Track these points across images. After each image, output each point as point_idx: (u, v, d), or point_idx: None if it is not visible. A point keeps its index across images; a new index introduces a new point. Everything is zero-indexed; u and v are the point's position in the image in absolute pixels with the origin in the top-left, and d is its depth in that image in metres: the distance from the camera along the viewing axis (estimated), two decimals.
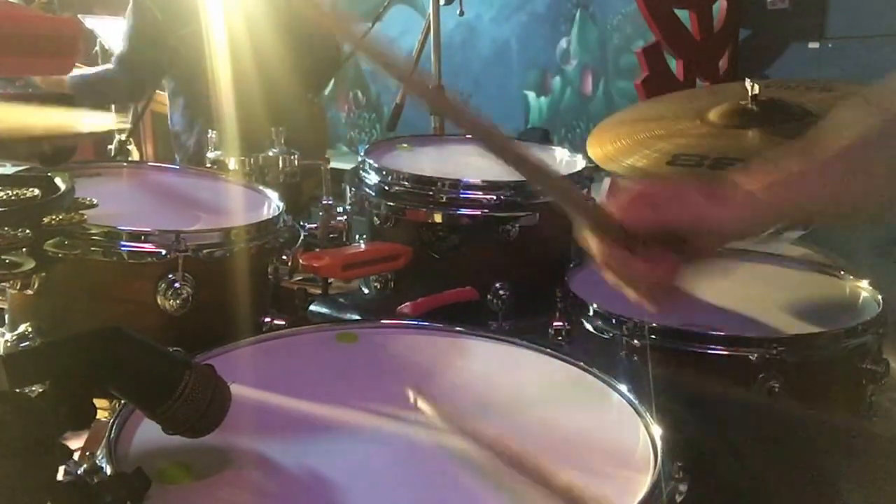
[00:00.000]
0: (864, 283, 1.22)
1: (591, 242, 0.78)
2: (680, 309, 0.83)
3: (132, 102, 2.91)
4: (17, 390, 0.59)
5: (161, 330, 1.07)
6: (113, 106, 2.92)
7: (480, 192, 1.36)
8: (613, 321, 1.08)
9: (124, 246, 1.06)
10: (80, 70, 2.65)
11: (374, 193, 1.41)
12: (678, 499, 0.67)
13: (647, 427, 0.77)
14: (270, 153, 1.51)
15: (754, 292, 1.22)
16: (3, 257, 0.68)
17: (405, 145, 1.65)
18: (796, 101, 1.36)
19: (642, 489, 0.67)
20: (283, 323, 1.13)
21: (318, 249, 1.36)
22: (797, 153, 0.77)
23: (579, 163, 1.53)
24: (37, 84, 2.66)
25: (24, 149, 0.80)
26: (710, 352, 1.03)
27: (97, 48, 3.48)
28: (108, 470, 0.66)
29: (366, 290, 1.47)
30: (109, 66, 2.57)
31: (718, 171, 1.21)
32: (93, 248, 1.03)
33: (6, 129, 0.73)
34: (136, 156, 3.45)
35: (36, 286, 1.02)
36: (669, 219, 0.76)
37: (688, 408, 0.91)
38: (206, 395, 0.65)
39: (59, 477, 0.58)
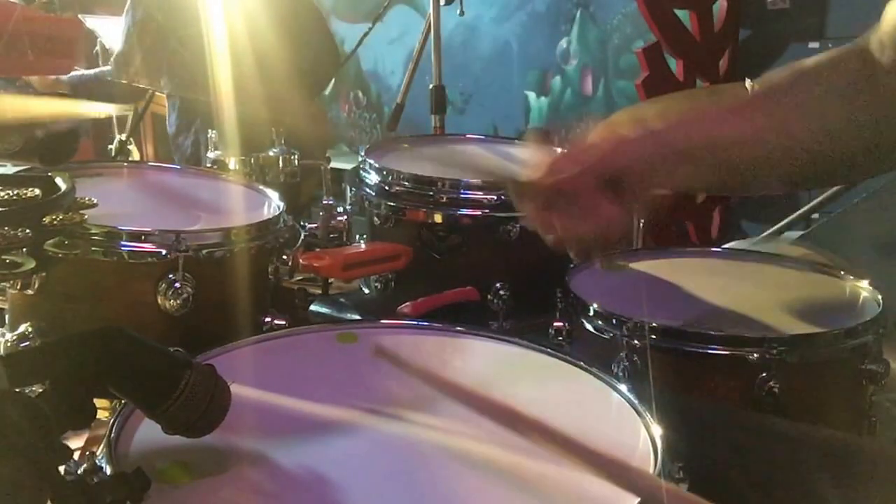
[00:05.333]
0: (864, 283, 1.21)
1: (529, 212, 0.85)
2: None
3: (130, 103, 2.92)
4: (17, 390, 0.59)
5: (161, 330, 1.07)
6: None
7: (481, 193, 1.36)
8: (614, 321, 1.08)
9: (124, 246, 1.06)
10: (79, 71, 2.65)
11: (374, 193, 1.41)
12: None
13: (647, 427, 0.77)
14: (271, 153, 1.52)
15: (754, 292, 1.22)
16: (3, 257, 0.68)
17: (405, 145, 1.65)
18: None
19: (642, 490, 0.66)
20: (284, 323, 1.13)
21: (318, 249, 1.36)
22: (709, 93, 0.82)
23: None
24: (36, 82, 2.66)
25: (19, 134, 0.80)
26: (710, 352, 1.03)
27: (97, 48, 3.48)
28: (108, 470, 0.66)
29: (366, 290, 1.47)
30: (107, 67, 2.58)
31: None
32: (93, 248, 1.03)
33: (2, 113, 0.73)
34: (136, 156, 3.45)
35: (36, 286, 1.02)
36: (587, 169, 0.80)
37: (688, 408, 0.91)
38: (206, 394, 0.65)
39: (59, 477, 0.58)
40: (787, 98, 0.82)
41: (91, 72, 2.64)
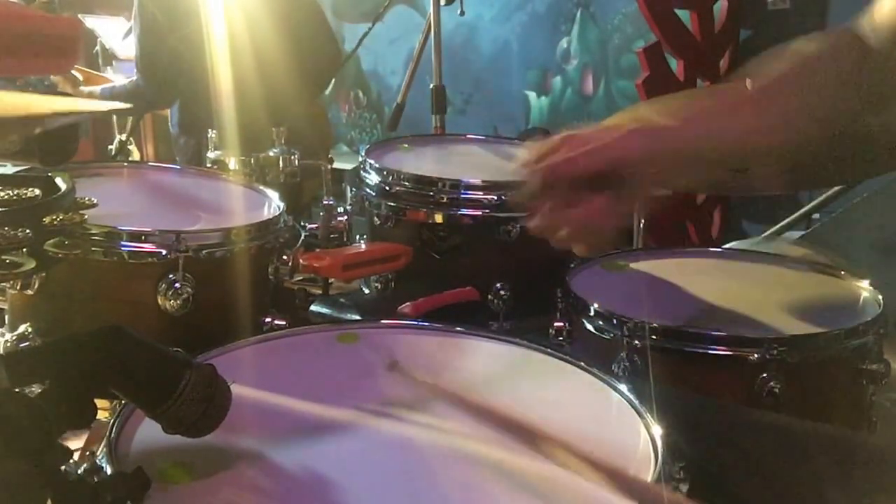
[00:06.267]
0: (864, 283, 1.21)
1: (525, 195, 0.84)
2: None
3: (165, 107, 2.91)
4: (17, 390, 0.59)
5: (161, 330, 1.07)
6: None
7: (481, 193, 1.36)
8: (614, 321, 1.08)
9: (124, 246, 1.06)
10: (111, 84, 2.65)
11: (374, 193, 1.41)
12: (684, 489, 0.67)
13: (647, 427, 0.77)
14: (271, 153, 1.52)
15: (754, 292, 1.22)
16: (3, 257, 0.68)
17: (405, 145, 1.65)
18: None
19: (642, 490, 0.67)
20: (284, 323, 1.13)
21: (318, 249, 1.36)
22: (711, 93, 0.82)
23: None
24: (39, 84, 2.66)
25: (18, 132, 0.79)
26: (710, 352, 1.03)
27: (97, 48, 3.48)
28: (109, 470, 0.66)
29: (366, 290, 1.47)
30: (133, 78, 2.57)
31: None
32: (93, 248, 1.03)
33: (7, 108, 0.73)
34: (136, 156, 3.46)
35: (36, 286, 1.02)
36: (586, 163, 0.80)
37: (688, 408, 0.91)
38: (206, 394, 0.65)
39: (59, 477, 0.58)
40: (789, 89, 0.82)
41: (119, 85, 2.63)
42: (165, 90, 2.55)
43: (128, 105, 2.74)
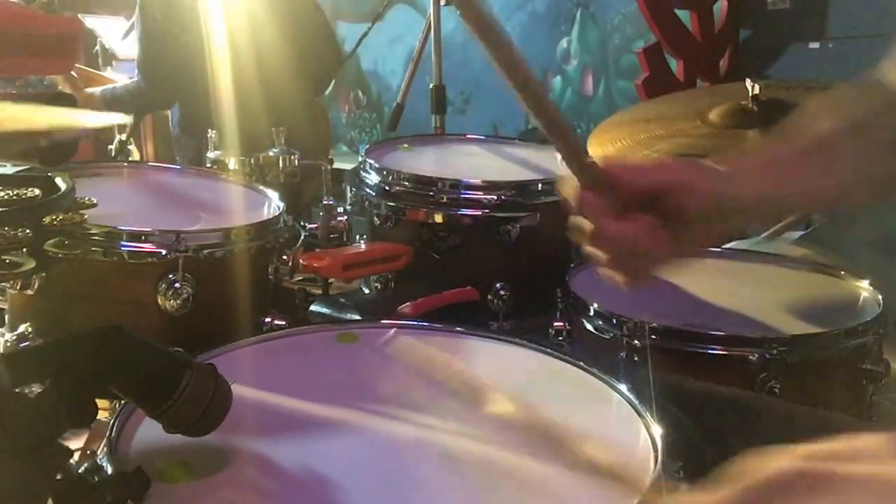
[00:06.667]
0: (864, 283, 1.21)
1: (573, 190, 0.77)
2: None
3: (165, 110, 2.91)
4: (18, 390, 0.59)
5: (161, 330, 1.07)
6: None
7: (481, 193, 1.36)
8: (614, 321, 1.08)
9: (124, 246, 1.06)
10: (112, 85, 2.65)
11: (374, 193, 1.41)
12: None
13: (647, 427, 0.77)
14: (271, 153, 1.52)
15: (754, 292, 1.22)
16: (3, 257, 0.68)
17: (405, 145, 1.65)
18: (797, 102, 1.36)
19: (642, 489, 0.67)
20: (284, 323, 1.13)
21: (318, 249, 1.36)
22: (768, 146, 0.79)
23: None
24: (38, 84, 2.66)
25: (22, 144, 0.80)
26: (710, 352, 1.03)
27: (97, 48, 3.48)
28: (109, 469, 0.66)
29: (366, 290, 1.47)
30: (134, 79, 2.57)
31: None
32: (93, 248, 1.03)
33: (5, 124, 0.74)
34: (136, 156, 3.45)
35: (36, 286, 1.02)
36: (653, 179, 0.76)
37: (688, 408, 0.91)
38: (206, 394, 0.65)
39: (60, 477, 0.58)
40: (841, 153, 0.80)
41: (120, 85, 2.63)
42: (166, 91, 2.55)
43: (128, 118, 2.74)
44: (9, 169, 1.01)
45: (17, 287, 1.05)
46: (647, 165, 0.80)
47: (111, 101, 2.55)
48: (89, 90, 2.62)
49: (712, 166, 0.78)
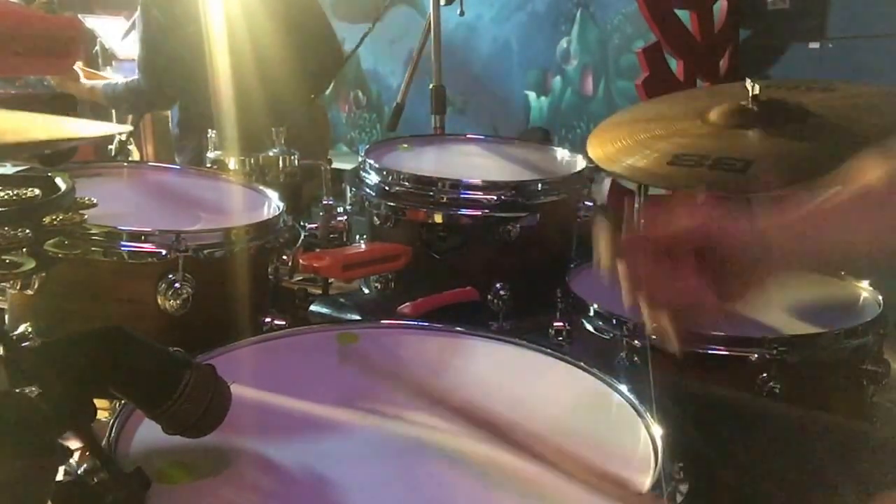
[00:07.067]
0: (864, 284, 1.21)
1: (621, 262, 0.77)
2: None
3: (165, 110, 2.90)
4: (17, 390, 0.59)
5: (161, 330, 1.07)
6: (114, 113, 2.92)
7: (481, 193, 1.36)
8: (614, 321, 1.08)
9: (124, 246, 1.06)
10: (113, 81, 2.65)
11: (374, 193, 1.41)
12: (678, 499, 0.67)
13: (647, 427, 0.77)
14: (270, 153, 1.52)
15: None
16: (3, 257, 0.68)
17: (405, 145, 1.65)
18: (796, 102, 1.36)
19: (642, 490, 0.67)
20: (284, 323, 1.13)
21: (318, 249, 1.36)
22: (807, 198, 0.78)
23: (579, 163, 1.53)
24: (36, 83, 2.66)
25: (22, 154, 0.80)
26: (710, 352, 1.03)
27: (97, 48, 3.48)
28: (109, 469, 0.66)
29: (366, 290, 1.47)
30: (135, 77, 2.57)
31: (719, 171, 1.21)
32: (93, 248, 1.03)
33: (7, 134, 0.74)
34: (136, 156, 3.45)
35: (36, 286, 1.02)
36: (692, 225, 0.76)
37: (688, 408, 0.91)
38: (206, 394, 0.65)
39: (59, 477, 0.58)
40: (884, 212, 0.80)
41: (122, 83, 2.63)
42: (165, 91, 2.55)
43: (129, 128, 2.75)
44: (9, 169, 1.01)
45: (17, 287, 1.05)
46: (681, 210, 0.79)
47: (112, 98, 2.55)
48: (90, 83, 2.62)
49: (748, 225, 0.78)
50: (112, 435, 0.71)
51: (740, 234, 0.77)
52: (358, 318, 1.17)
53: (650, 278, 0.76)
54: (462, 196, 1.36)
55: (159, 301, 1.06)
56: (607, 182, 2.37)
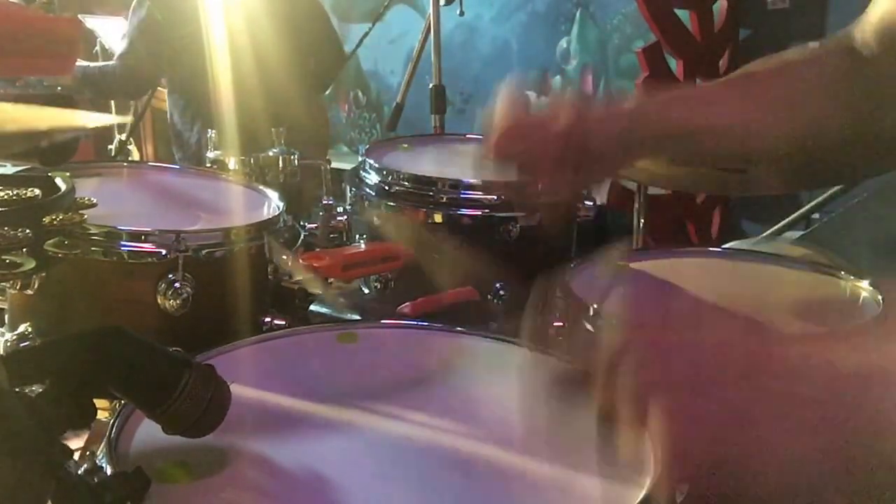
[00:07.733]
0: (864, 284, 1.21)
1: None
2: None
3: (130, 99, 2.93)
4: (17, 390, 0.59)
5: (161, 330, 1.07)
6: (113, 105, 2.93)
7: (481, 193, 1.36)
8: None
9: (124, 246, 1.06)
10: (83, 63, 2.66)
11: (374, 193, 1.41)
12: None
13: None
14: (270, 153, 1.52)
15: (754, 292, 1.22)
16: (3, 257, 0.68)
17: (405, 145, 1.65)
18: None
19: (642, 490, 0.67)
20: (284, 323, 1.13)
21: (318, 249, 1.36)
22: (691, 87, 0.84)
23: None
24: (38, 84, 2.66)
25: (22, 145, 0.80)
26: None
27: (97, 48, 3.48)
28: (109, 470, 0.66)
29: (366, 290, 1.47)
30: (111, 62, 2.59)
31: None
32: (93, 248, 1.03)
33: (4, 125, 0.74)
34: (136, 156, 3.46)
35: (36, 286, 1.02)
36: (554, 133, 0.83)
37: None
38: (206, 394, 0.65)
39: (59, 477, 0.58)
40: (771, 88, 0.81)
41: (95, 65, 2.65)
42: (138, 86, 2.58)
43: (128, 119, 2.76)
44: (9, 169, 1.01)
45: (17, 287, 1.05)
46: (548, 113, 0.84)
47: (81, 79, 2.56)
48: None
49: (614, 109, 0.80)
50: (112, 435, 0.71)
51: (607, 119, 0.79)
52: (358, 318, 1.17)
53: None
54: (462, 196, 1.36)
55: (159, 301, 1.06)
56: (607, 182, 2.37)
